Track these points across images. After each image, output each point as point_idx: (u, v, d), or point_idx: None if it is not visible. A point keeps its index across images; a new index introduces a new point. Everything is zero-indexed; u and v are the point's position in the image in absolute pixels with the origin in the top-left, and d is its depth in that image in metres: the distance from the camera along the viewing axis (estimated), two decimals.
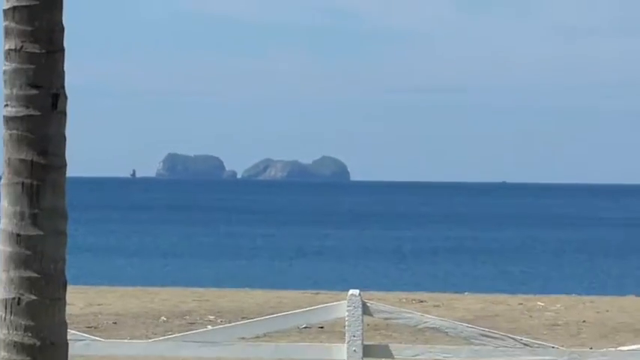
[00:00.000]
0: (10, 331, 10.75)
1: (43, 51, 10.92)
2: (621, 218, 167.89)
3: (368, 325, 16.31)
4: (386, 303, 17.74)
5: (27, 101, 10.87)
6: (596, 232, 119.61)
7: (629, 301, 37.62)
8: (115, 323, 28.43)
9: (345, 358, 15.92)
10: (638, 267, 74.19)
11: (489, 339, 17.16)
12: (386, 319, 16.95)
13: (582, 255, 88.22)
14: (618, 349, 18.16)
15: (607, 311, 34.59)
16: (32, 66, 10.88)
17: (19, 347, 10.77)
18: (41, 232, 10.82)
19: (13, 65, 10.91)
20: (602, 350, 18.80)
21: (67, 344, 10.92)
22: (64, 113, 11.04)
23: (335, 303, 16.52)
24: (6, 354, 10.79)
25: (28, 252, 10.84)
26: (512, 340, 17.32)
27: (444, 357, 17.33)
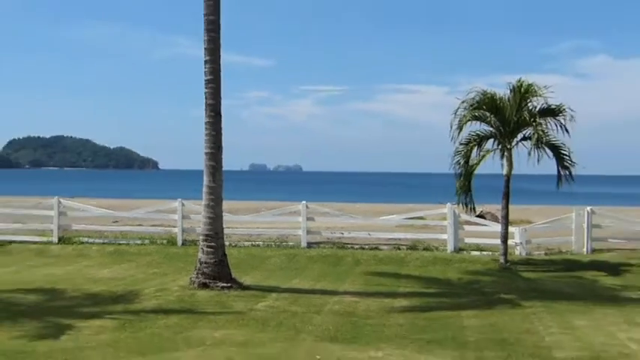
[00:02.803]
0: (207, 213, 11.16)
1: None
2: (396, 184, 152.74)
3: (308, 210, 16.32)
4: (317, 206, 17.33)
5: (211, 147, 11.08)
6: (379, 188, 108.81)
7: (382, 206, 33.92)
8: (238, 210, 26.88)
9: (301, 221, 16.42)
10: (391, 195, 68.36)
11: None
12: (314, 209, 16.92)
13: (374, 192, 79.67)
14: (380, 218, 17.86)
15: (362, 206, 31.87)
16: (212, 138, 10.98)
17: (207, 219, 11.14)
18: (215, 185, 11.14)
19: (207, 137, 10.97)
20: (375, 219, 18.28)
21: (222, 217, 11.32)
22: (221, 151, 11.16)
23: (298, 205, 16.82)
24: (204, 219, 11.14)
25: (211, 191, 11.11)
26: (350, 217, 17.78)
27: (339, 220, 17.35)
